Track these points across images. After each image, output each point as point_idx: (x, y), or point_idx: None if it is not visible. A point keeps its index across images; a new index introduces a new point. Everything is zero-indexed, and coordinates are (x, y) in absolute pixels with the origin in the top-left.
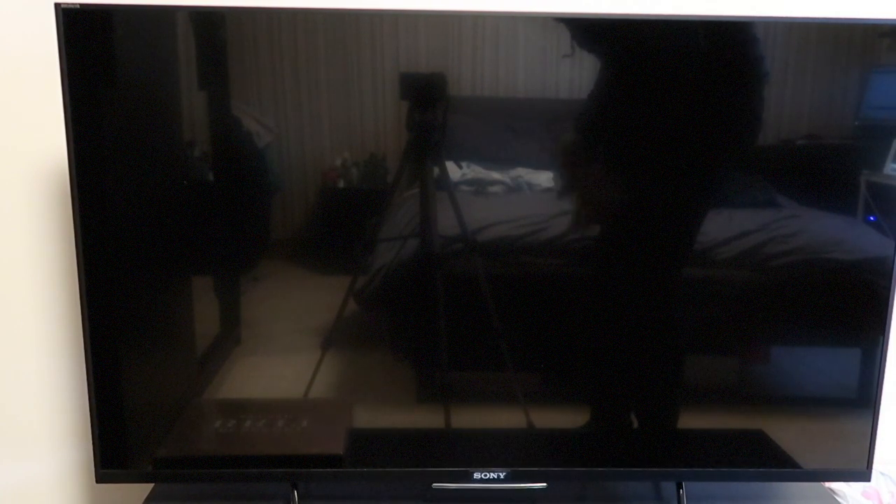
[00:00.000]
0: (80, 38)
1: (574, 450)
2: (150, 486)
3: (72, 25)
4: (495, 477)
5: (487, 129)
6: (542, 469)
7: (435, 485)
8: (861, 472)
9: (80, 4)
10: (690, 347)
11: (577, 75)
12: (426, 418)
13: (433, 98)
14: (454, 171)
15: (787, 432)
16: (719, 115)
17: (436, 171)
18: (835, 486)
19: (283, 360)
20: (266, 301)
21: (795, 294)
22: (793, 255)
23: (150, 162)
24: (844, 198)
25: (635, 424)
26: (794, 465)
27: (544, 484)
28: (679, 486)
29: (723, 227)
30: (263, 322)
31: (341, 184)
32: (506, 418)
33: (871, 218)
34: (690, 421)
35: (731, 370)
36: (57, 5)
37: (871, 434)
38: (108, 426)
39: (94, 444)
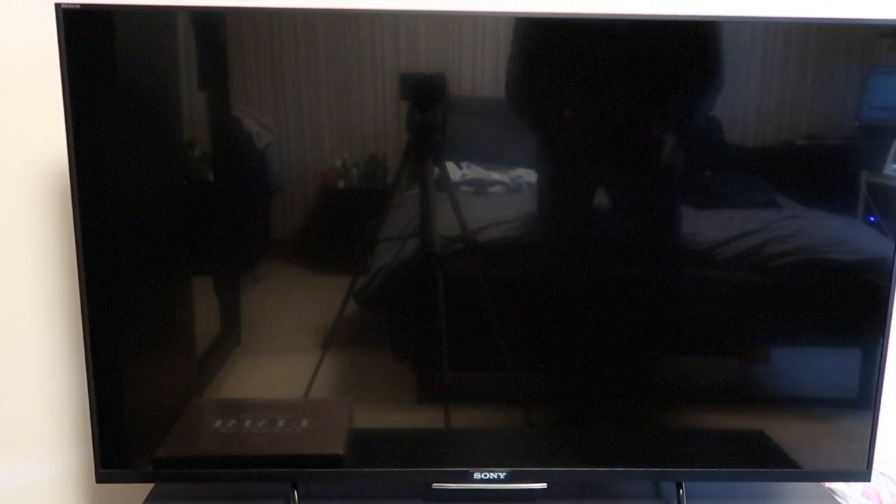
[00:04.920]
0: (80, 38)
1: (574, 450)
2: (150, 486)
3: (72, 25)
4: (495, 477)
5: (487, 129)
6: (542, 469)
7: (435, 485)
8: (861, 472)
9: (80, 4)
10: (690, 347)
11: None
12: (426, 418)
13: (433, 98)
14: (454, 171)
15: (787, 432)
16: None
17: (436, 171)
18: (835, 486)
19: (283, 360)
20: (266, 301)
21: (795, 294)
22: (793, 256)
23: (150, 162)
24: (845, 198)
25: (634, 423)
26: (794, 465)
27: (544, 484)
28: (679, 486)
29: (723, 227)
30: (263, 322)
31: (341, 184)
32: (506, 418)
33: (872, 218)
34: (690, 421)
35: (731, 370)
36: (57, 5)
37: (871, 434)
38: (108, 426)
39: (94, 443)
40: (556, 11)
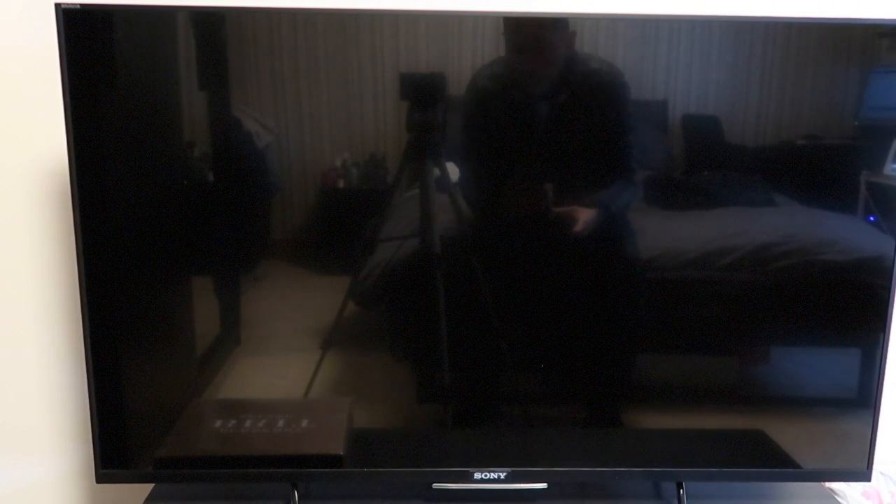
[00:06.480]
0: (80, 38)
1: (574, 450)
2: (150, 486)
3: (72, 25)
4: (495, 477)
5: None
6: (542, 469)
7: (435, 485)
8: (861, 472)
9: (80, 4)
10: (691, 347)
11: None
12: (426, 418)
13: (433, 98)
14: (454, 171)
15: (787, 432)
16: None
17: (436, 171)
18: (835, 486)
19: (283, 360)
20: (266, 301)
21: (795, 294)
22: (792, 256)
23: (150, 162)
24: (844, 198)
25: (634, 423)
26: (794, 465)
27: (544, 484)
28: (679, 486)
29: (723, 227)
30: (263, 322)
31: (341, 184)
32: (506, 418)
33: (872, 218)
34: (691, 421)
35: (731, 370)
36: (57, 5)
37: (871, 434)
38: (109, 426)
39: (94, 444)
40: (553, 11)
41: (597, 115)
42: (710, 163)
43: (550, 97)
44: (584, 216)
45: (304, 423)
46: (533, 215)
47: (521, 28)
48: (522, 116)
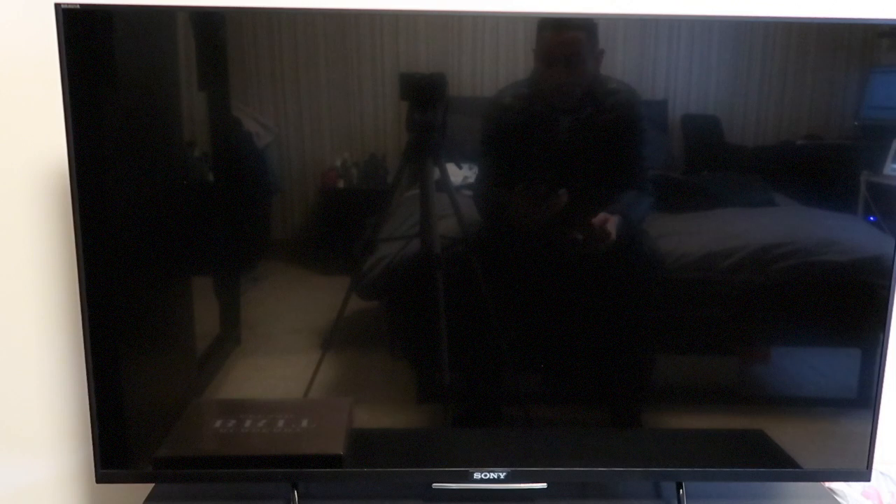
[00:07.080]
0: (80, 38)
1: (574, 450)
2: (150, 486)
3: (72, 25)
4: (495, 477)
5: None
6: (542, 469)
7: (435, 485)
8: (861, 472)
9: (80, 4)
10: (691, 347)
11: None
12: (426, 418)
13: (433, 98)
14: (454, 171)
15: (787, 432)
16: None
17: (436, 171)
18: (835, 486)
19: (283, 360)
20: (266, 301)
21: (795, 294)
22: (792, 256)
23: (150, 162)
24: (844, 198)
25: (635, 423)
26: (794, 465)
27: (544, 484)
28: (679, 486)
29: (723, 227)
30: (263, 322)
31: (341, 184)
32: (506, 418)
33: (872, 218)
34: (690, 421)
35: (731, 370)
36: (57, 5)
37: (871, 434)
38: (108, 426)
39: (94, 444)
40: (556, 11)
41: (617, 129)
42: (710, 163)
43: (574, 111)
44: (613, 224)
45: (304, 423)
46: (541, 220)
47: (553, 43)
48: (545, 128)
